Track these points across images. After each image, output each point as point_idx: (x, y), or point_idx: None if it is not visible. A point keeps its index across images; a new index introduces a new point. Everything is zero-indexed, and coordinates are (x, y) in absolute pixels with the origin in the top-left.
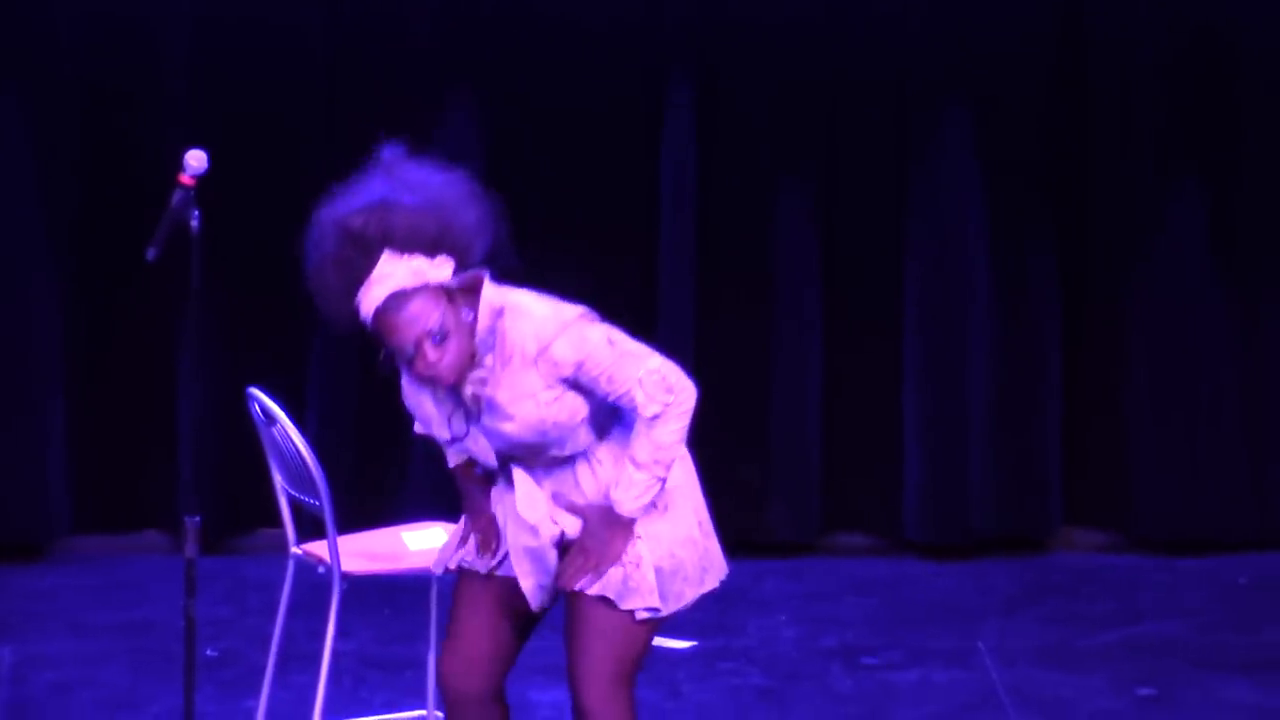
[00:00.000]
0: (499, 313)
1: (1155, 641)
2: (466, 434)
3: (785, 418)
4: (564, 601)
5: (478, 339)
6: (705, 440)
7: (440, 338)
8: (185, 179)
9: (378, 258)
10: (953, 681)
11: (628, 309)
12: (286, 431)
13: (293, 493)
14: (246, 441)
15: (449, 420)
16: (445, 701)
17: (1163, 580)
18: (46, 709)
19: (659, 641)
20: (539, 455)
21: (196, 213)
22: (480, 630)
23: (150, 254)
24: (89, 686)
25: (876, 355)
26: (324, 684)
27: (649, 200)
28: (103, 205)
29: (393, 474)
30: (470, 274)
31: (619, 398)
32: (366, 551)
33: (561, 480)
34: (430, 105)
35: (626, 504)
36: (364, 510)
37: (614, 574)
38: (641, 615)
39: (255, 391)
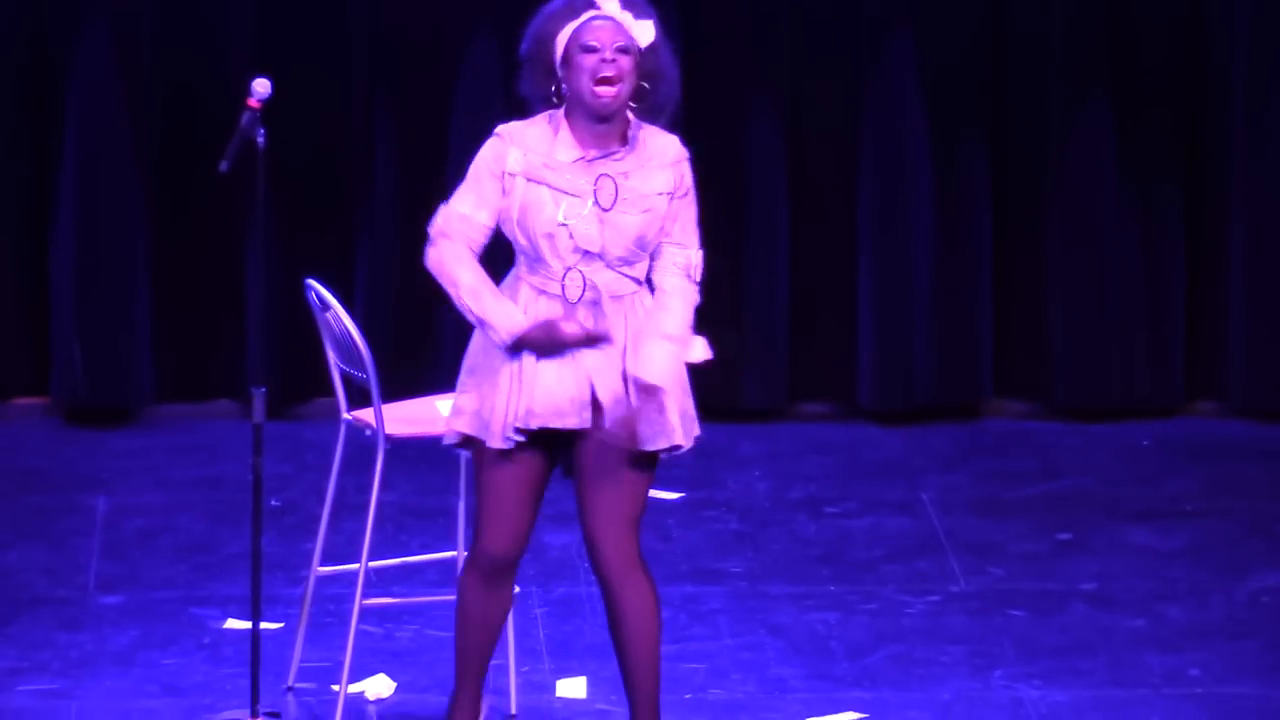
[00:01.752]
0: (639, 126)
1: (1070, 495)
2: (582, 215)
3: (758, 301)
4: (580, 451)
5: (626, 134)
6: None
7: (624, 50)
8: (252, 102)
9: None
10: (900, 527)
11: None
12: (338, 316)
13: (343, 368)
14: (304, 324)
15: (565, 206)
16: (484, 568)
17: (1077, 443)
18: (135, 551)
19: (653, 494)
20: (625, 265)
21: (262, 131)
22: (521, 505)
23: (223, 166)
24: (171, 532)
25: (835, 246)
26: (370, 529)
27: None
28: (184, 123)
29: (428, 351)
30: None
31: (675, 246)
32: (406, 417)
33: (620, 307)
34: (460, 44)
35: (679, 329)
36: (403, 382)
37: (644, 426)
38: (663, 454)
39: (312, 282)
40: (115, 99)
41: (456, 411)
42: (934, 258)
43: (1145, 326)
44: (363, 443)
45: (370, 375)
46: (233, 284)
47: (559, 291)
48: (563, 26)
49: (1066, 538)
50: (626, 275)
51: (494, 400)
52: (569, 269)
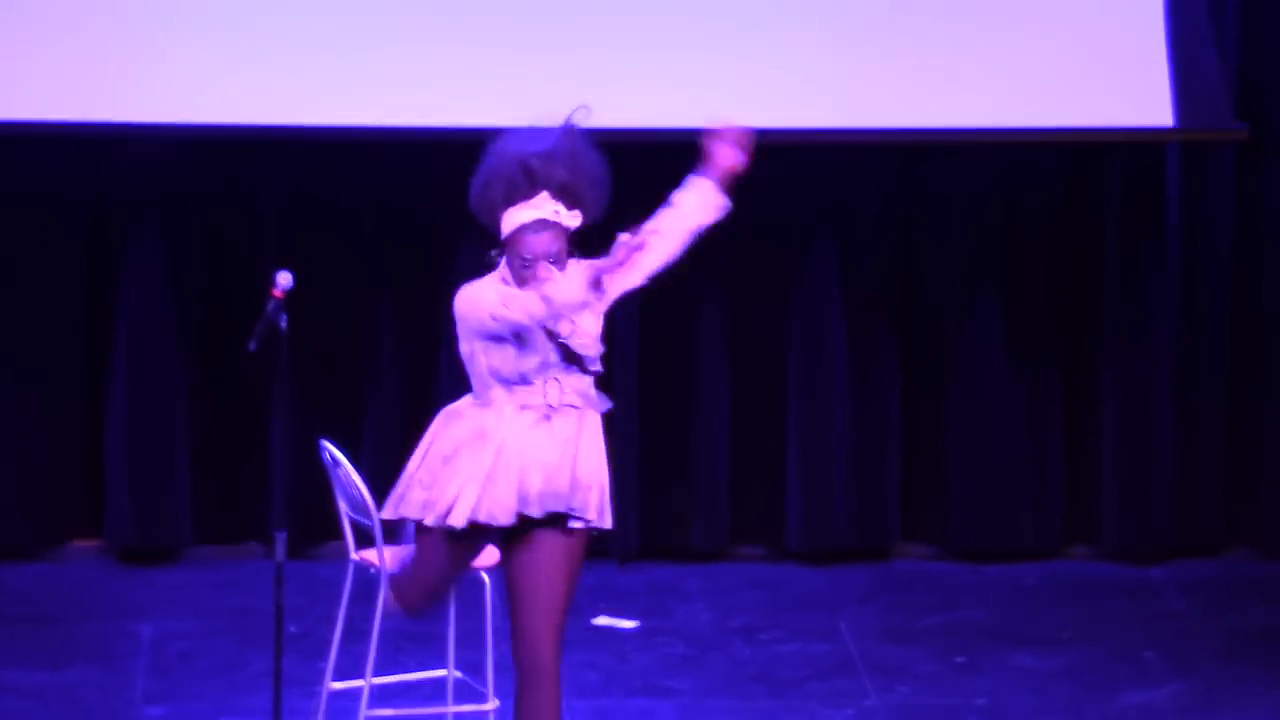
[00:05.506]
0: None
1: (966, 625)
2: (572, 332)
3: (703, 460)
4: (522, 543)
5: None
6: (644, 471)
7: (554, 260)
8: (277, 292)
9: (537, 194)
10: (822, 651)
11: None
12: (348, 472)
13: (352, 515)
14: (319, 478)
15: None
16: (401, 611)
17: (972, 581)
18: (176, 670)
19: (615, 622)
20: (592, 364)
21: (285, 316)
22: (452, 581)
23: (251, 345)
24: (207, 654)
25: (768, 414)
26: (373, 650)
27: None
28: (218, 309)
29: None
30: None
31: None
32: (404, 557)
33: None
34: (451, 246)
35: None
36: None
37: (592, 497)
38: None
39: (325, 443)
40: (161, 289)
41: (407, 502)
42: (851, 424)
43: (1029, 483)
44: (368, 578)
45: (374, 522)
46: (259, 445)
47: (540, 400)
48: (505, 203)
49: (963, 661)
50: (589, 372)
51: (477, 485)
52: (546, 380)
